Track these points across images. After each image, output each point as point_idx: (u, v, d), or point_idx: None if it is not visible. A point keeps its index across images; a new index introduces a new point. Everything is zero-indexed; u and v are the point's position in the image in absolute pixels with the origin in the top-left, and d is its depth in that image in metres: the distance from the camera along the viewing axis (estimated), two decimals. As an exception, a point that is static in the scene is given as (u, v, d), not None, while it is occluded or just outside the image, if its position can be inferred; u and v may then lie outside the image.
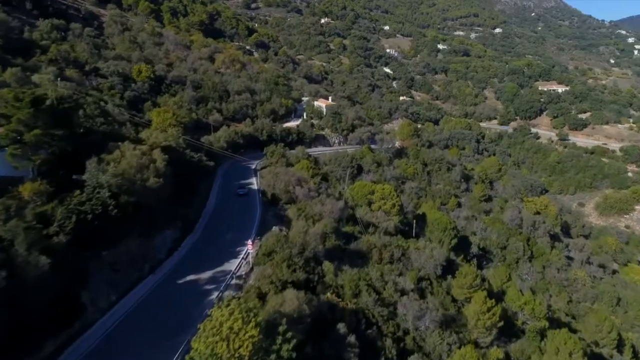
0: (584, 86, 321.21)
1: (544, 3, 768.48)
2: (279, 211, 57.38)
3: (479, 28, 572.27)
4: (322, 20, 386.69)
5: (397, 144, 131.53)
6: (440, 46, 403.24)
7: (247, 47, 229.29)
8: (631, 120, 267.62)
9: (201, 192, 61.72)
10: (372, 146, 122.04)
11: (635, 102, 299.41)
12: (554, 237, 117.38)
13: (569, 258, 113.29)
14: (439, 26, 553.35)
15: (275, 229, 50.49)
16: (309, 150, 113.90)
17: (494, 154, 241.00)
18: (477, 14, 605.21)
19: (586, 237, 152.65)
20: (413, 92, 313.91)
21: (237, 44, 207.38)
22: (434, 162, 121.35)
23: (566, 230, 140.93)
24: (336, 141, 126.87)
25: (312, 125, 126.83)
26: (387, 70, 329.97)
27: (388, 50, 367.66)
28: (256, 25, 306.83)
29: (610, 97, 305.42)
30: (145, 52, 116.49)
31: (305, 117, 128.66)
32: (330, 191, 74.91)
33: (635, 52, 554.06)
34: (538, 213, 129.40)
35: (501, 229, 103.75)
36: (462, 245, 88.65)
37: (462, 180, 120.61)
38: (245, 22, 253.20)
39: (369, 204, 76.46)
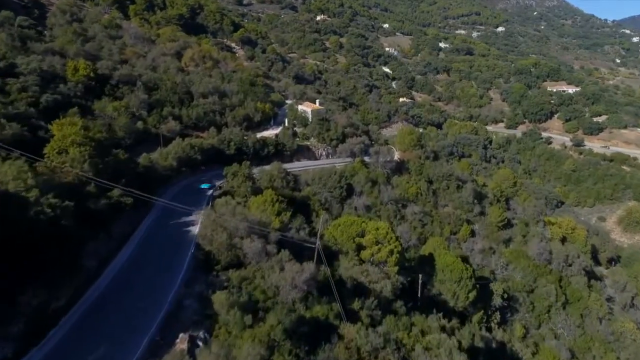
0: (596, 87, 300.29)
1: (546, 2, 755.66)
2: (210, 287, 36.46)
3: (480, 27, 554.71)
4: (318, 18, 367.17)
5: (397, 156, 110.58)
6: (442, 45, 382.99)
7: (233, 44, 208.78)
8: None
9: (98, 254, 40.57)
10: (366, 159, 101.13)
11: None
12: (590, 274, 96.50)
13: (608, 299, 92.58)
14: (439, 25, 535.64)
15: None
16: (287, 165, 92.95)
17: (503, 161, 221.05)
18: (479, 13, 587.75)
19: (615, 261, 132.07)
20: (414, 92, 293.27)
21: (221, 40, 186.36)
22: (440, 178, 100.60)
23: (594, 255, 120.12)
24: (323, 153, 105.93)
25: (295, 134, 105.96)
26: (386, 69, 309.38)
27: (387, 49, 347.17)
28: (246, 21, 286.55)
29: (625, 98, 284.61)
30: (89, 46, 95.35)
31: (286, 124, 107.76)
32: (303, 234, 54.00)
33: None
34: (564, 238, 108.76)
35: (527, 266, 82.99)
36: (480, 293, 67.73)
37: (475, 200, 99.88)
38: (230, 17, 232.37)
39: (358, 249, 55.55)
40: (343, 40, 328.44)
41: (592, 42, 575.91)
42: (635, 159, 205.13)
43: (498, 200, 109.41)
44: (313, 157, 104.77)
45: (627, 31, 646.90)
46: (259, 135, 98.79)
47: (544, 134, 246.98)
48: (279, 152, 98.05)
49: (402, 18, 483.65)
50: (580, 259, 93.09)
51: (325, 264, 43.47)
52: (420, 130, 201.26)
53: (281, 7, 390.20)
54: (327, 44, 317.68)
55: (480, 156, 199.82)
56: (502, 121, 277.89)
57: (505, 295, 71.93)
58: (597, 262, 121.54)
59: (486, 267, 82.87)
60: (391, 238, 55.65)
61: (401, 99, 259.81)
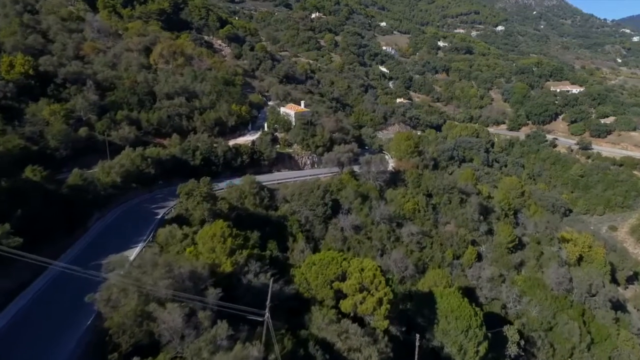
0: (601, 87, 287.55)
1: (545, 1, 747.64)
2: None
3: (480, 26, 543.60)
4: (313, 15, 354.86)
5: (391, 165, 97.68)
6: (440, 43, 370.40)
7: (219, 42, 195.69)
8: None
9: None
10: (356, 169, 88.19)
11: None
12: (615, 304, 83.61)
13: (637, 333, 79.63)
14: (438, 24, 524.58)
15: None
16: (265, 178, 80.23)
17: (506, 165, 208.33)
18: (478, 11, 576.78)
19: (634, 277, 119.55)
20: (412, 93, 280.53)
21: (201, 36, 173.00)
22: (441, 191, 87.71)
23: (612, 273, 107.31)
24: (308, 162, 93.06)
25: (275, 140, 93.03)
26: (383, 69, 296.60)
27: (384, 48, 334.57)
28: (237, 19, 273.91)
29: (632, 99, 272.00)
30: (32, 39, 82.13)
31: (266, 129, 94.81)
32: (264, 279, 40.86)
33: None
34: (581, 257, 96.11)
35: (544, 299, 70.26)
36: (491, 339, 54.81)
37: (481, 216, 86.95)
38: (217, 13, 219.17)
39: (337, 297, 42.72)
40: (338, 38, 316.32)
41: (592, 41, 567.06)
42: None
43: (506, 215, 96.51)
44: (296, 166, 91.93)
45: (628, 30, 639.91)
46: (232, 142, 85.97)
47: (549, 137, 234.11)
48: (255, 161, 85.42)
49: (400, 17, 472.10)
50: (605, 288, 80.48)
51: (276, 354, 30.45)
52: (419, 133, 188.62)
53: (275, 4, 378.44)
54: (322, 43, 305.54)
55: (482, 160, 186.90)
56: (504, 122, 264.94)
57: (522, 342, 59.18)
58: (615, 282, 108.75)
59: (496, 301, 70.07)
60: (380, 282, 42.81)
61: (398, 100, 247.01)
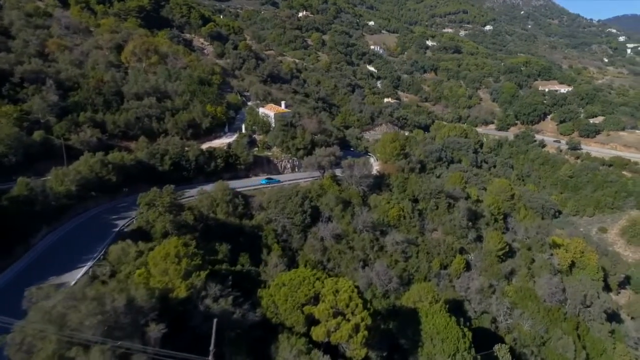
0: (590, 86, 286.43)
1: (532, 1, 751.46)
2: None
3: (468, 25, 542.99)
4: (300, 14, 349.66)
5: (376, 168, 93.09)
6: (429, 42, 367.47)
7: (201, 40, 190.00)
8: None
9: None
10: (338, 173, 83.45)
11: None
12: (610, 314, 79.91)
13: (634, 346, 75.95)
14: (426, 23, 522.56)
15: None
16: (240, 183, 75.29)
17: (495, 166, 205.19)
18: (467, 11, 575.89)
19: (626, 281, 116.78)
20: (400, 92, 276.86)
21: (179, 34, 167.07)
22: (428, 196, 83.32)
23: (604, 279, 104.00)
24: (288, 166, 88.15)
25: (254, 143, 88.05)
26: (371, 68, 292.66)
27: (372, 47, 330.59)
28: (221, 17, 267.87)
29: (620, 98, 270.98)
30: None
31: (244, 130, 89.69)
32: (224, 304, 35.75)
33: (629, 51, 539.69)
34: (573, 263, 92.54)
35: (536, 311, 66.23)
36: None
37: (469, 222, 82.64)
38: (199, 11, 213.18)
39: (308, 323, 37.96)
40: (326, 37, 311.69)
41: (579, 41, 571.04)
42: (636, 163, 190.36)
43: (496, 220, 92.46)
44: (275, 170, 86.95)
45: (614, 30, 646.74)
46: (207, 145, 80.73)
47: (538, 137, 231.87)
48: (231, 166, 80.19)
49: (388, 16, 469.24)
50: (600, 299, 76.73)
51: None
52: (406, 133, 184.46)
53: (261, 2, 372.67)
54: (309, 42, 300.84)
55: (470, 161, 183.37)
56: (493, 122, 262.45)
57: (509, 345, 54.92)
58: (608, 287, 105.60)
59: (486, 315, 65.89)
60: (357, 305, 38.11)
61: (386, 100, 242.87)
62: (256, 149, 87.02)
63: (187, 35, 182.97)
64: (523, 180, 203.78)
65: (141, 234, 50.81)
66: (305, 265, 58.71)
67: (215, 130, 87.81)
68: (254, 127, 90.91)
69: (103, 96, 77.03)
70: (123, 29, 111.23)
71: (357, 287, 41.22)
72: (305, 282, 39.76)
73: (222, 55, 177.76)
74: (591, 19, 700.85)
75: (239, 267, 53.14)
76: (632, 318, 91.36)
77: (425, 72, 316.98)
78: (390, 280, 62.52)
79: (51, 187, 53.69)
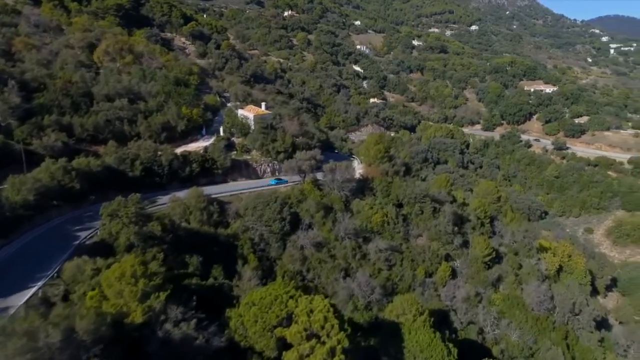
0: (574, 86, 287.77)
1: (517, 1, 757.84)
2: None
3: (454, 25, 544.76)
4: (286, 14, 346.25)
5: (359, 171, 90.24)
6: (415, 42, 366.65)
7: (182, 39, 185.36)
8: (630, 124, 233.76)
9: None
10: (319, 177, 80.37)
11: (631, 104, 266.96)
12: (598, 321, 78.09)
13: (623, 354, 74.25)
14: (413, 23, 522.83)
15: None
16: (216, 189, 71.71)
17: (481, 167, 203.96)
18: (452, 11, 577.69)
19: (613, 284, 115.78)
20: (386, 92, 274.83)
21: (158, 33, 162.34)
22: (412, 201, 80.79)
23: (592, 282, 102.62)
24: (268, 170, 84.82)
25: (232, 146, 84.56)
26: (357, 68, 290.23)
27: (358, 47, 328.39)
28: (205, 16, 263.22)
29: (604, 98, 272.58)
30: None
31: (222, 133, 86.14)
32: (186, 328, 32.43)
33: (611, 51, 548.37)
34: (561, 268, 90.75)
35: (524, 320, 64.00)
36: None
37: (455, 227, 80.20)
38: (181, 9, 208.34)
39: (279, 347, 34.82)
40: (311, 37, 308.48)
41: (563, 41, 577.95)
42: (621, 163, 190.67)
43: (482, 224, 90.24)
44: (255, 175, 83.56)
45: (597, 31, 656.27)
46: (182, 149, 77.10)
47: (523, 137, 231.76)
48: (207, 170, 76.62)
49: (375, 15, 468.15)
50: (589, 307, 74.87)
51: None
52: (392, 134, 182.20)
53: (246, 1, 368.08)
54: (294, 41, 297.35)
55: (457, 162, 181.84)
56: (479, 123, 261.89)
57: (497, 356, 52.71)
58: (595, 290, 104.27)
59: (472, 325, 63.43)
60: (332, 326, 35.06)
61: (372, 100, 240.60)
62: (234, 152, 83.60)
63: (168, 35, 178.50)
64: (509, 180, 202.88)
65: (104, 247, 47.25)
66: (284, 277, 55.55)
67: (192, 133, 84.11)
68: (232, 129, 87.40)
69: (71, 98, 72.91)
70: (97, 28, 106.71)
71: (333, 305, 38.20)
72: (277, 301, 36.61)
73: (204, 55, 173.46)
74: (575, 20, 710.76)
75: (210, 281, 49.81)
76: (620, 323, 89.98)
77: (411, 72, 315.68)
78: (372, 291, 59.67)
79: (7, 196, 49.83)
